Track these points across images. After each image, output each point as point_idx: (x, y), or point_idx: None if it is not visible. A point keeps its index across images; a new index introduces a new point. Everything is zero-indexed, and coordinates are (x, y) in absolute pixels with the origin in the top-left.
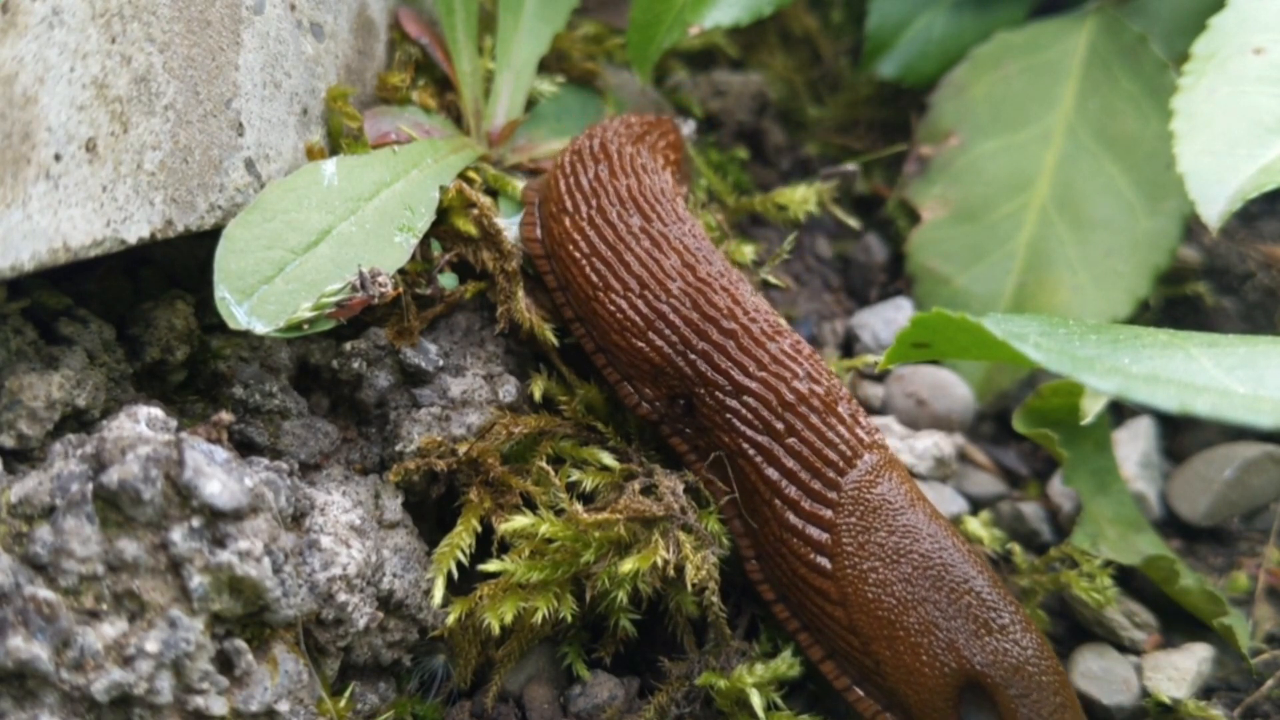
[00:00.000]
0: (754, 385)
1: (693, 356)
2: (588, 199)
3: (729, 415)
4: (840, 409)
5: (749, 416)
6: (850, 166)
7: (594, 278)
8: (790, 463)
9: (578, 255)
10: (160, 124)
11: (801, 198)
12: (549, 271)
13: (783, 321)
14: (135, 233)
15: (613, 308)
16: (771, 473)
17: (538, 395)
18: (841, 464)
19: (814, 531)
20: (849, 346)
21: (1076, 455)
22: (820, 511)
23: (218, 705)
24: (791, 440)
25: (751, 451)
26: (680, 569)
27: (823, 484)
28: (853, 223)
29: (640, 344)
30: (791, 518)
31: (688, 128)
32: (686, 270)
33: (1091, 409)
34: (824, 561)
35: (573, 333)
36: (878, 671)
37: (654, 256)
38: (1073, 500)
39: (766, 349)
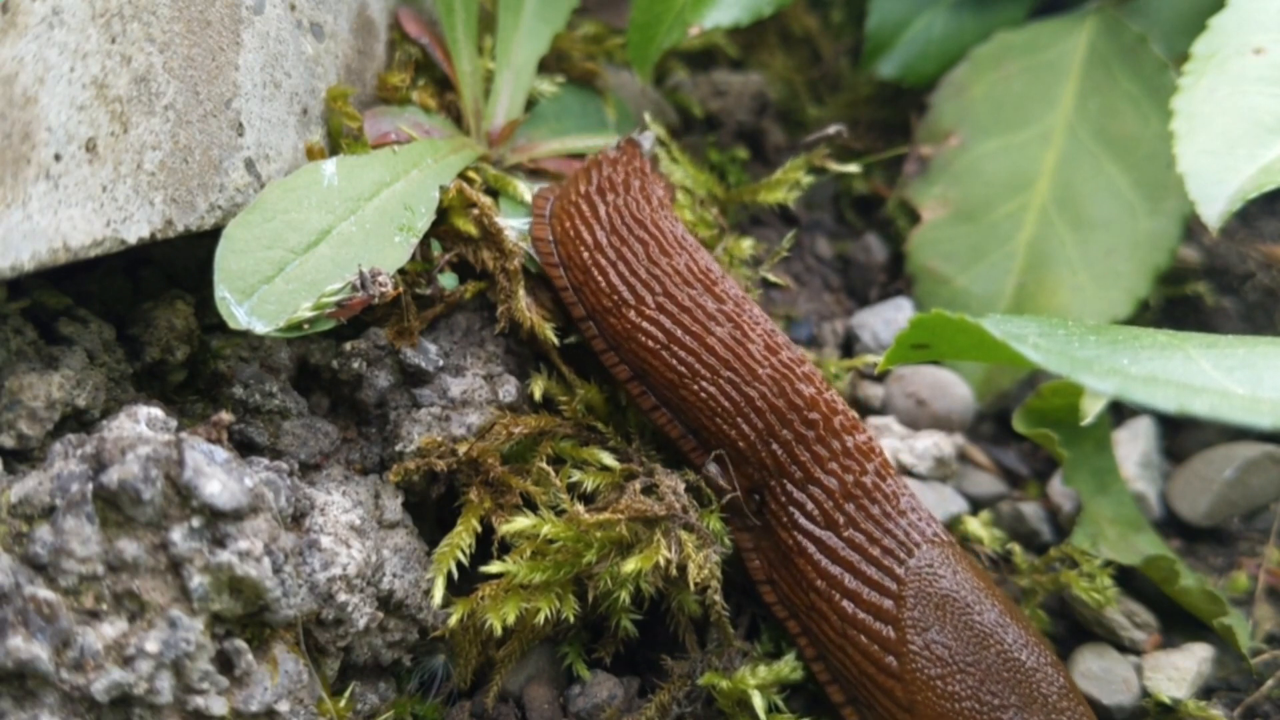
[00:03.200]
0: (824, 477)
1: (775, 446)
2: (649, 285)
3: (794, 510)
4: (903, 503)
5: (812, 509)
6: (832, 129)
7: (680, 366)
8: (849, 554)
9: (654, 345)
10: (160, 124)
11: (790, 178)
12: (560, 276)
13: (858, 416)
14: (135, 233)
15: (705, 395)
16: (831, 567)
17: (538, 395)
18: (900, 553)
19: (877, 625)
20: (849, 346)
21: (1076, 455)
22: (881, 602)
23: (218, 705)
24: (850, 533)
25: (810, 548)
26: (682, 568)
27: (881, 572)
28: (852, 168)
29: (730, 430)
30: (851, 609)
31: (648, 142)
32: (770, 354)
33: (1091, 409)
34: (890, 660)
35: (654, 421)
36: None
37: (737, 339)
38: (1073, 500)
39: (843, 441)
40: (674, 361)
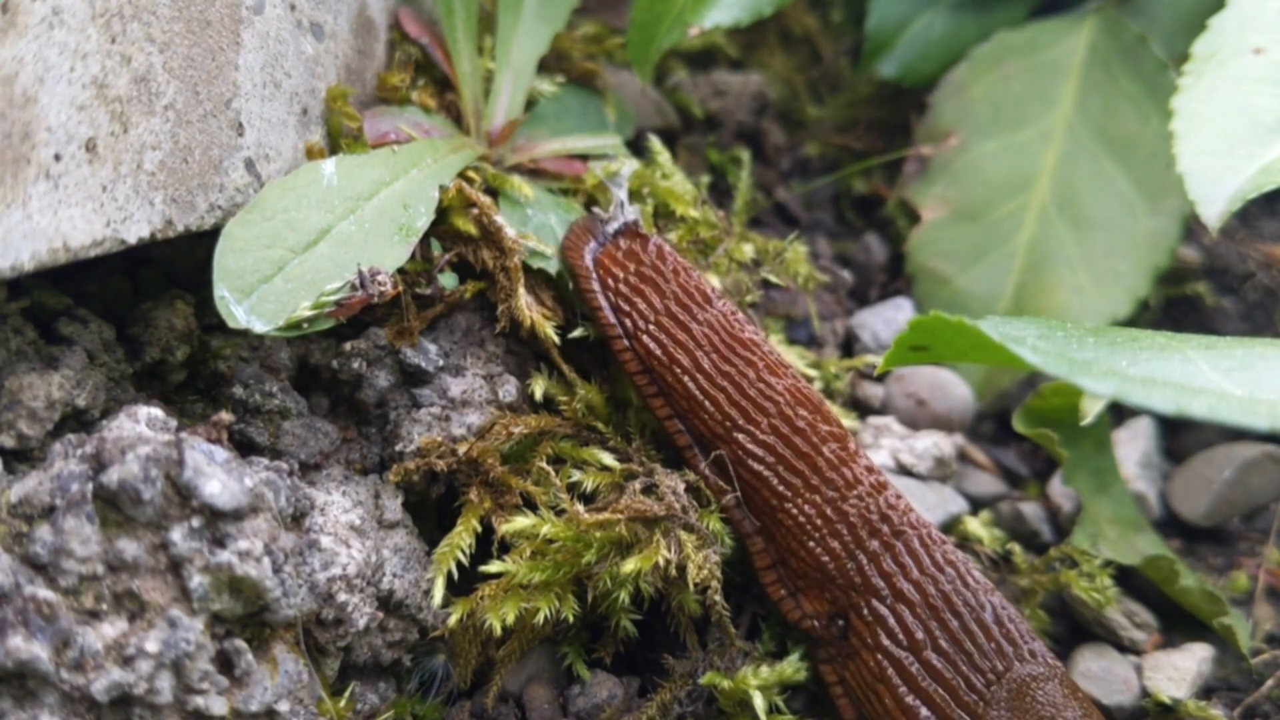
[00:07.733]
0: (908, 589)
1: (862, 558)
2: (762, 408)
3: (879, 630)
4: (985, 616)
5: (894, 628)
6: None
7: (782, 488)
8: (927, 684)
9: (761, 469)
10: (160, 124)
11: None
12: (662, 406)
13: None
14: (135, 233)
15: (802, 519)
16: (910, 699)
17: (538, 395)
18: (980, 684)
19: None
20: (849, 346)
21: (1076, 455)
22: None
23: (218, 705)
24: (928, 654)
25: (890, 671)
26: (682, 568)
27: (961, 709)
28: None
29: (818, 549)
30: None
31: (636, 215)
32: (869, 473)
33: (1091, 409)
34: None
35: (750, 548)
36: None
37: (842, 458)
38: (1073, 500)
39: (932, 554)
40: (777, 483)
